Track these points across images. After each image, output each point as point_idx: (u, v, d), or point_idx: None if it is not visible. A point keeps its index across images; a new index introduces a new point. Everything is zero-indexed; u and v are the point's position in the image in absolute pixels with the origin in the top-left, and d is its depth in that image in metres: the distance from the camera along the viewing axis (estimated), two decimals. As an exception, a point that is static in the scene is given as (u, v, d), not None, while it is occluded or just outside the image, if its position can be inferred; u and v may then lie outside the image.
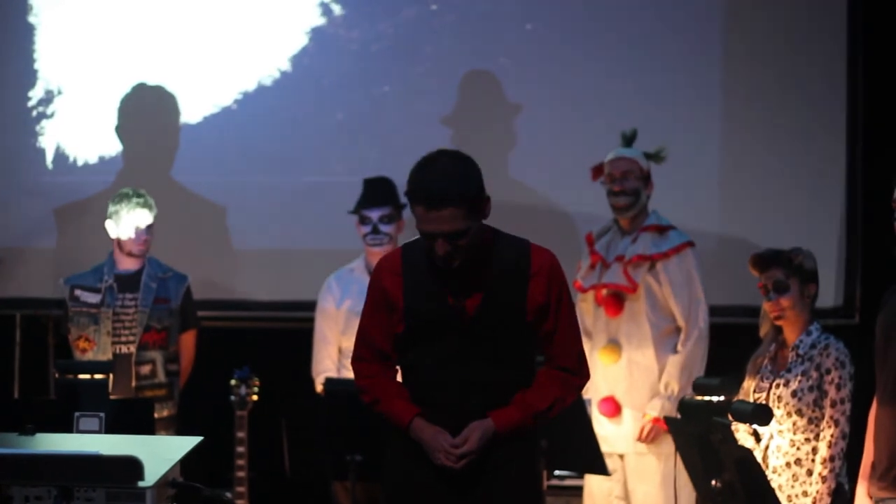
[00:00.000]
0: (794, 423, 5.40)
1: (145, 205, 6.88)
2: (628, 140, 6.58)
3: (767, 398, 5.46)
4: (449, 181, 4.25)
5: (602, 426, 6.42)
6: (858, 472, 5.09)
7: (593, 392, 6.49)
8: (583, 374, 4.51)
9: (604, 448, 6.21)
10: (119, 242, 6.93)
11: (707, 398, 5.08)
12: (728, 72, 7.57)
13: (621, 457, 6.46)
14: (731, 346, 5.95)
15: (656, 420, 6.32)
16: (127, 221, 6.88)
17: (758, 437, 5.51)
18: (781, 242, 5.87)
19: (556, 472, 6.67)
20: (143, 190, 6.97)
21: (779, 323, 5.54)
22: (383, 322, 4.47)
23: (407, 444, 4.44)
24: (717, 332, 6.55)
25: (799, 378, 5.42)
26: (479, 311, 4.36)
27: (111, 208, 6.91)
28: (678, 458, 5.33)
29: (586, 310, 6.58)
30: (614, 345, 6.47)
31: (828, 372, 5.39)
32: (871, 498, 4.97)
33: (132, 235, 6.88)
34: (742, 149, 7.54)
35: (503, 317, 4.37)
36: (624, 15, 7.63)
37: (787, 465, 5.42)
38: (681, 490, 5.81)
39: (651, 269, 6.44)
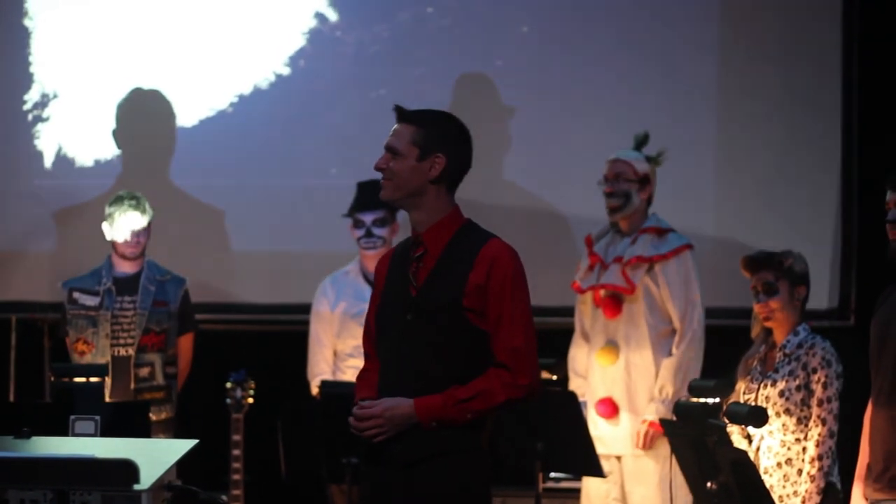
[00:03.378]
0: (783, 424, 5.41)
1: (138, 207, 6.89)
2: (639, 143, 6.57)
3: (756, 399, 5.47)
4: (423, 110, 4.42)
5: (599, 428, 6.42)
6: (853, 474, 5.10)
7: (590, 394, 6.50)
8: (520, 372, 4.28)
9: (601, 450, 6.21)
10: (114, 245, 6.95)
11: (702, 400, 5.09)
12: (724, 74, 7.57)
13: (618, 458, 6.45)
14: (728, 348, 5.95)
15: (653, 424, 6.32)
16: (120, 224, 6.89)
17: (750, 439, 5.52)
18: (777, 244, 5.87)
19: (553, 475, 6.68)
20: (139, 193, 6.99)
21: (768, 324, 5.56)
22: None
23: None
24: (714, 333, 6.55)
25: (786, 378, 5.44)
26: (421, 291, 4.32)
27: (107, 211, 6.93)
28: (674, 459, 5.33)
29: (584, 311, 6.58)
30: (612, 346, 6.47)
31: (814, 371, 5.41)
32: (866, 499, 4.98)
33: (127, 238, 6.90)
34: (738, 151, 7.55)
35: (441, 298, 4.29)
36: (620, 18, 7.64)
37: (778, 465, 5.42)
38: (677, 492, 5.82)
39: (649, 270, 6.44)
